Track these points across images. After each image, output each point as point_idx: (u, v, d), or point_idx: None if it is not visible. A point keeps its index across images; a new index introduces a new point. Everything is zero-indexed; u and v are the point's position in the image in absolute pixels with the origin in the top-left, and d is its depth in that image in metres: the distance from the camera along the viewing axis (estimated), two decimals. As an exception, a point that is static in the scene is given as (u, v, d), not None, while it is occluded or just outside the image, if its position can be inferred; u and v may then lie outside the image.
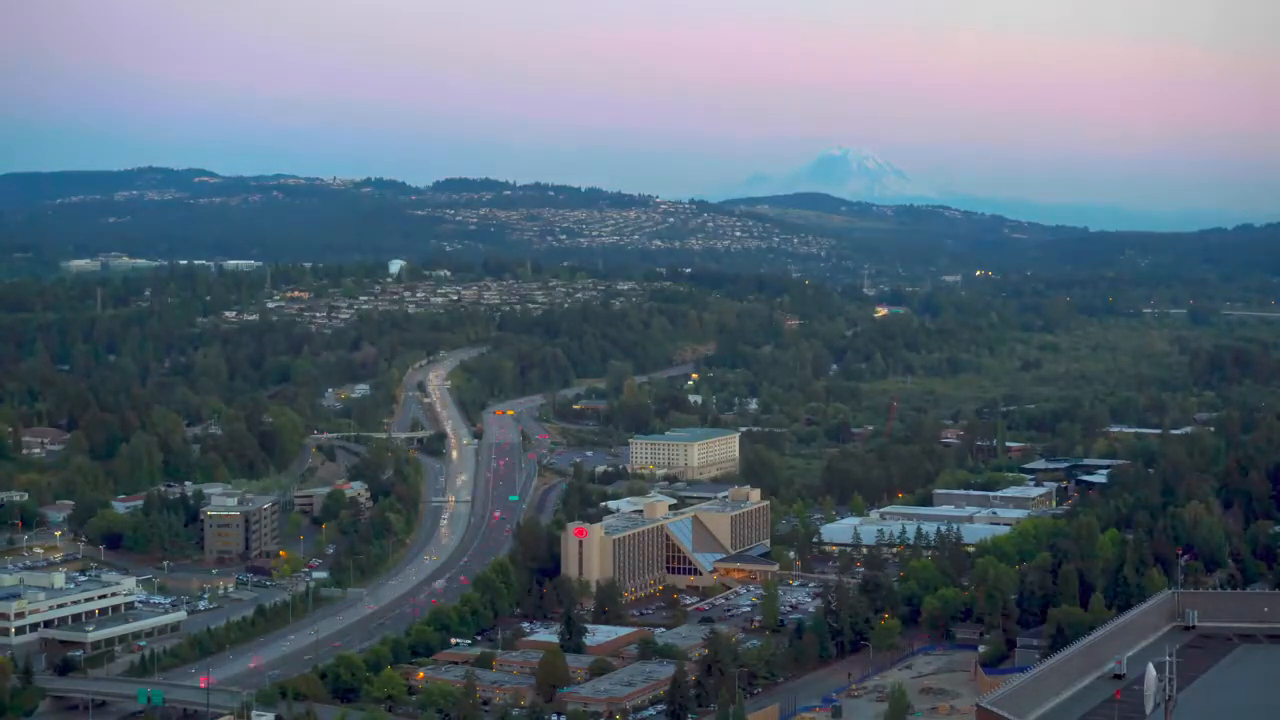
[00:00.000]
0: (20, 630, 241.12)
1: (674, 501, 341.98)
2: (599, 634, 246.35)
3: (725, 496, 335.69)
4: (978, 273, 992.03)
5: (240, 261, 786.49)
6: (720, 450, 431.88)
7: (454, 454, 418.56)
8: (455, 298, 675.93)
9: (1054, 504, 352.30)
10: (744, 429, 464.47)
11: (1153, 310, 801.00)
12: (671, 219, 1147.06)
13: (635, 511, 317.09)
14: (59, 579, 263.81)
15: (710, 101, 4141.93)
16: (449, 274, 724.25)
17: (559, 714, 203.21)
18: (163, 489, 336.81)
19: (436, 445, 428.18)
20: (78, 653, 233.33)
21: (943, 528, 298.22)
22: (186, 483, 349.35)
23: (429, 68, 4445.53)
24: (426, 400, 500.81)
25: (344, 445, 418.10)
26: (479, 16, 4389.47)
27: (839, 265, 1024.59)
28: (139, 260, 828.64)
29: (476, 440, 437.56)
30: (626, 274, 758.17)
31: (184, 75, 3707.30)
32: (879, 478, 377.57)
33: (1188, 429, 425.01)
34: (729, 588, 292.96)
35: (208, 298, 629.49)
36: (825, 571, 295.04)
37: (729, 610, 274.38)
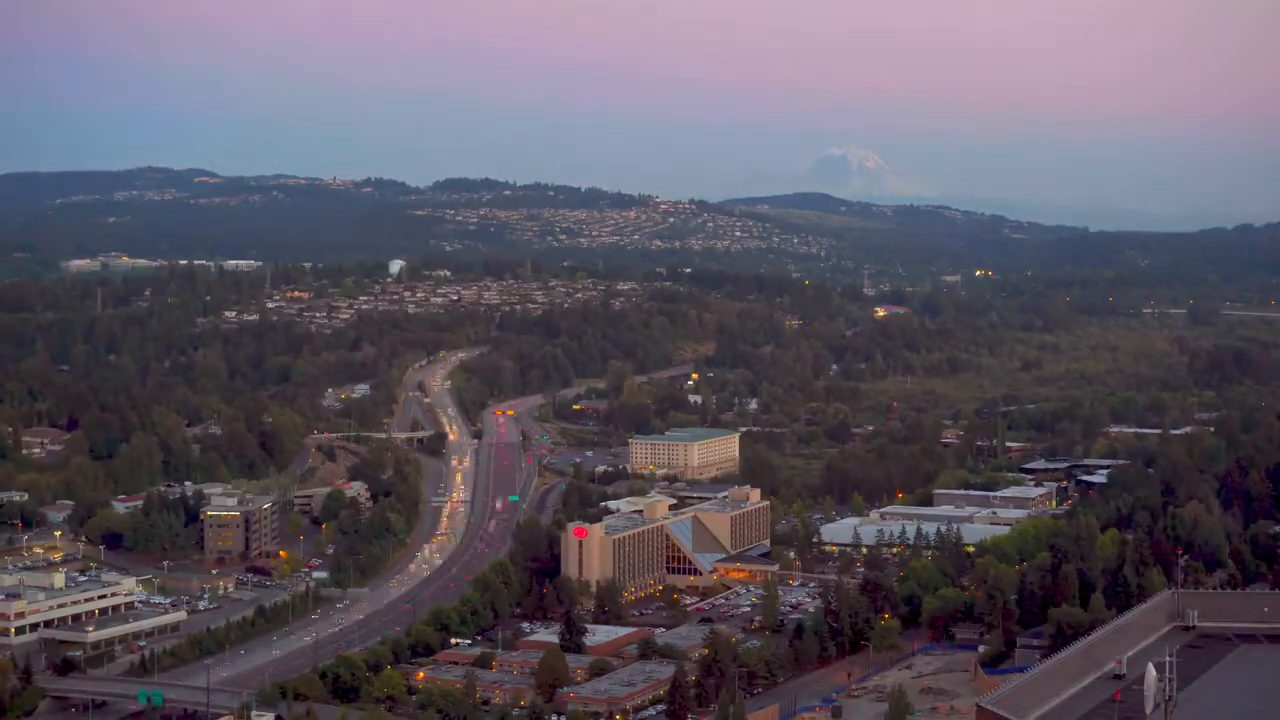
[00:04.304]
0: (20, 630, 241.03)
1: (674, 501, 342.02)
2: (599, 634, 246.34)
3: (725, 496, 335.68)
4: (978, 273, 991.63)
5: (240, 261, 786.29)
6: (720, 450, 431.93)
7: (454, 454, 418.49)
8: (455, 298, 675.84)
9: (1054, 504, 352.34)
10: (744, 429, 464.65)
11: (1153, 310, 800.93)
12: (671, 219, 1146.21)
13: (635, 511, 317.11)
14: (59, 579, 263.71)
15: (711, 101, 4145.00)
16: (449, 274, 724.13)
17: (559, 714, 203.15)
18: (163, 489, 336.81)
19: (436, 445, 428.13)
20: (78, 653, 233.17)
21: (943, 528, 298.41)
22: (186, 483, 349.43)
23: (429, 67, 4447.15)
24: (426, 400, 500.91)
25: (344, 446, 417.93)
26: (479, 16, 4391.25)
27: (839, 265, 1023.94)
28: (139, 260, 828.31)
29: (476, 440, 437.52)
30: (626, 274, 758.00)
31: (184, 75, 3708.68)
32: (879, 478, 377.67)
33: (1188, 429, 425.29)
34: (729, 588, 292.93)
35: (208, 298, 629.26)
36: (825, 571, 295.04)
37: (729, 610, 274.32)
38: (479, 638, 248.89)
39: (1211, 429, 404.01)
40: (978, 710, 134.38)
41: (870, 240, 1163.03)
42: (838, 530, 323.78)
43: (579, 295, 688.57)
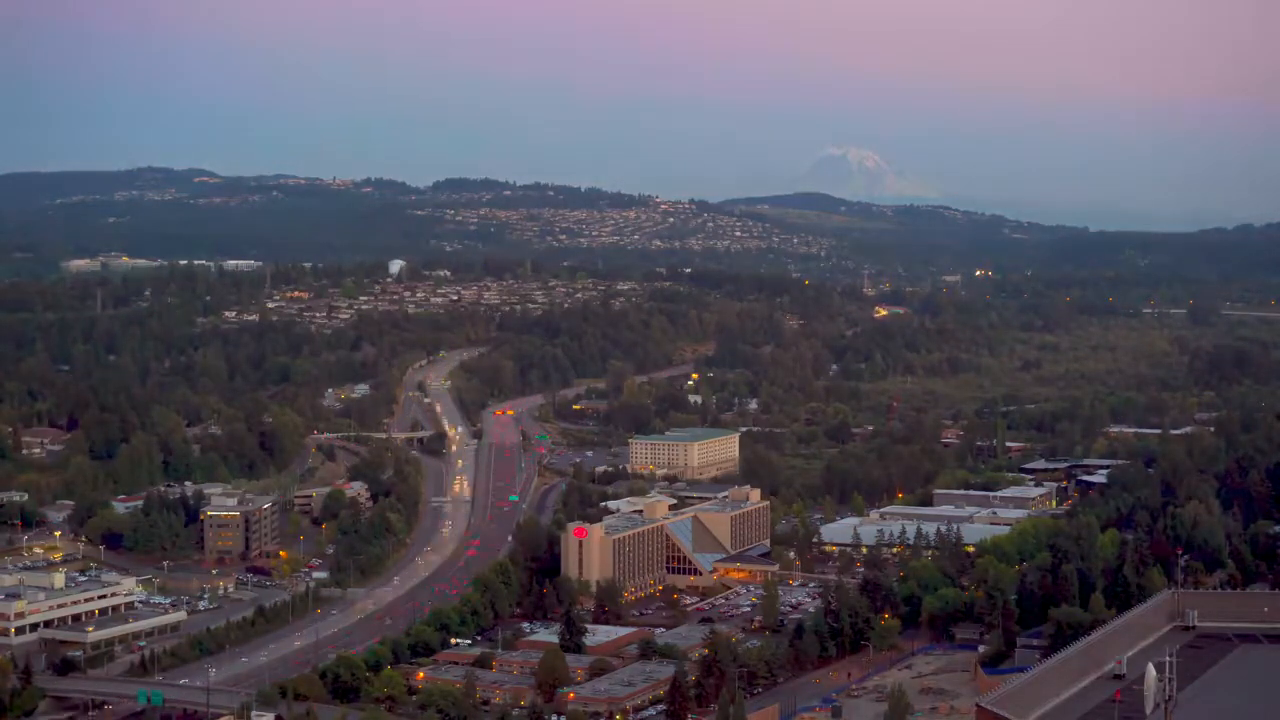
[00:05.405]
0: (20, 630, 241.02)
1: (674, 501, 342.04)
2: (599, 634, 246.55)
3: (725, 496, 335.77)
4: (978, 273, 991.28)
5: (240, 261, 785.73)
6: (720, 450, 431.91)
7: (454, 454, 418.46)
8: (455, 298, 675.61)
9: (1054, 504, 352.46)
10: (744, 429, 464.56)
11: (1153, 310, 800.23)
12: (671, 219, 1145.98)
13: (635, 511, 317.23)
14: (59, 579, 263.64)
15: (711, 101, 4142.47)
16: (449, 274, 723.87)
17: (559, 714, 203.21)
18: (163, 489, 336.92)
19: (436, 445, 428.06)
20: (78, 653, 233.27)
21: (943, 528, 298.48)
22: (186, 483, 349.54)
23: (429, 67, 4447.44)
24: (426, 400, 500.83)
25: (344, 446, 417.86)
26: (479, 16, 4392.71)
27: (839, 265, 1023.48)
28: (139, 260, 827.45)
29: (476, 440, 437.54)
30: (626, 274, 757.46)
31: (185, 75, 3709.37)
32: (879, 478, 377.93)
33: (1188, 429, 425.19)
34: (729, 588, 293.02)
35: (208, 298, 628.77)
36: (825, 571, 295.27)
37: (729, 610, 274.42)
38: (479, 638, 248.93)
39: (1211, 429, 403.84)
40: (978, 710, 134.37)
41: (870, 240, 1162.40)
42: (838, 530, 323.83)
43: (579, 295, 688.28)
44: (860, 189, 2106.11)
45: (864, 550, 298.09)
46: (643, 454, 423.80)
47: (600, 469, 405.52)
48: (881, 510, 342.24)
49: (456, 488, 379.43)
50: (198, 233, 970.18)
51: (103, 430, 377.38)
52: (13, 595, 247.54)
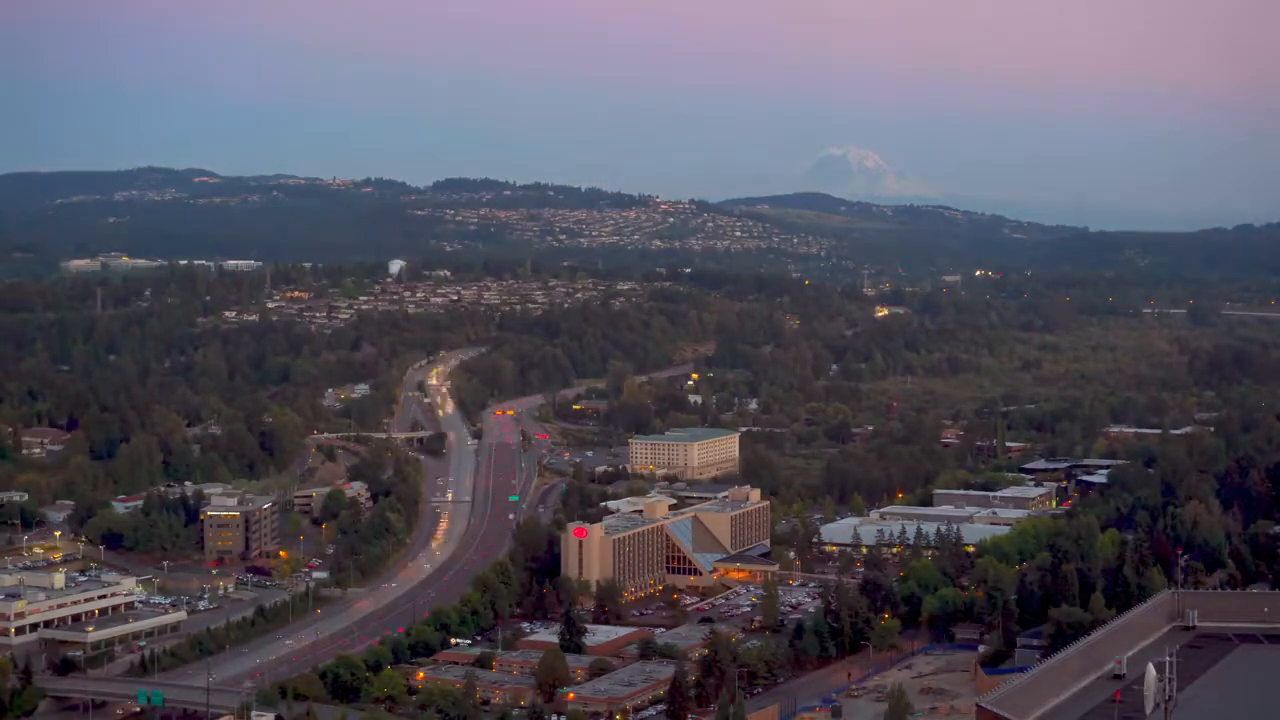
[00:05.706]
0: (20, 630, 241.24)
1: (674, 501, 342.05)
2: (599, 634, 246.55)
3: (725, 496, 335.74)
4: (978, 273, 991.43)
5: (240, 261, 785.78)
6: (720, 450, 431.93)
7: (454, 454, 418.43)
8: (455, 298, 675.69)
9: (1054, 504, 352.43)
10: (744, 429, 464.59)
11: (1153, 310, 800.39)
12: (671, 219, 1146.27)
13: (635, 511, 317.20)
14: (59, 579, 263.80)
15: (711, 101, 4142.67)
16: (449, 274, 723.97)
17: (559, 714, 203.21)
18: (163, 489, 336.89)
19: (436, 445, 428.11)
20: (78, 653, 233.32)
21: (943, 528, 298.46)
22: (186, 483, 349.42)
23: (428, 67, 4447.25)
24: (426, 400, 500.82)
25: (344, 446, 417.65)
26: (478, 16, 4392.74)
27: (839, 265, 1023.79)
28: (139, 260, 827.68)
29: (476, 440, 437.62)
30: (626, 274, 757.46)
31: (184, 75, 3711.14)
32: (879, 478, 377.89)
33: (1188, 429, 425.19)
34: (729, 588, 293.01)
35: (208, 298, 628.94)
36: (825, 571, 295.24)
37: (729, 610, 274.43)
38: (479, 638, 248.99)
39: (1211, 429, 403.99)
40: (978, 710, 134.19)
41: (870, 240, 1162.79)
42: (838, 530, 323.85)
43: (579, 295, 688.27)
44: (860, 189, 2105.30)
45: (864, 550, 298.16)
46: (643, 454, 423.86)
47: (600, 469, 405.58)
48: (881, 510, 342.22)
49: (457, 487, 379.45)
50: (198, 233, 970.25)
51: (103, 430, 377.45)
52: (13, 595, 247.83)
